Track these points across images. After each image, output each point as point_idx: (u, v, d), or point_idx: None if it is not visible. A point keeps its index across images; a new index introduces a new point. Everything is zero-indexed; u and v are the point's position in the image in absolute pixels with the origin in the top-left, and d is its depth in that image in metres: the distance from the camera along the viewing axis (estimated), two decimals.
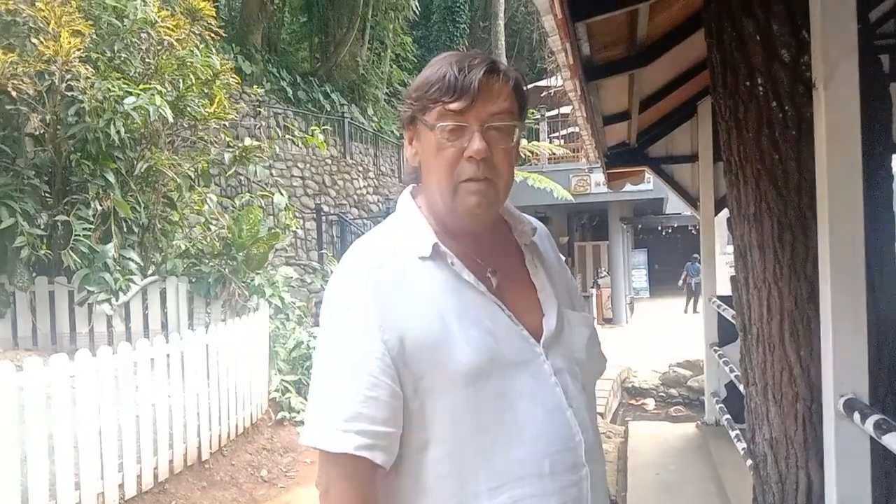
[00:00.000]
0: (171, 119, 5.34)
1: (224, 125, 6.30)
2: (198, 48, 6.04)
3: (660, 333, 14.09)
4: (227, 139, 6.57)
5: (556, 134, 17.30)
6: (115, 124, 5.01)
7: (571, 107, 4.78)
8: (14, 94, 4.67)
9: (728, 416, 3.88)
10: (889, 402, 1.90)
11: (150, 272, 5.64)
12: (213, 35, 6.27)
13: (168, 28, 5.60)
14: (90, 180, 5.20)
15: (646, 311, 18.74)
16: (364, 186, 13.29)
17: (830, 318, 1.66)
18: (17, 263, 4.93)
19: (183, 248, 6.04)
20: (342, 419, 0.91)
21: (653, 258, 22.94)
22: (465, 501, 0.93)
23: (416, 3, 17.74)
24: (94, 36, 5.28)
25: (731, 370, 3.71)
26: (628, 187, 6.81)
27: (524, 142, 12.52)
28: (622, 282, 17.44)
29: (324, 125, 10.50)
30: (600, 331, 1.18)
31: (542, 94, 16.35)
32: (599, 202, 15.49)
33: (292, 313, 6.92)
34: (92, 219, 5.07)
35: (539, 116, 15.54)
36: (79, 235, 4.94)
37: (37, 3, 4.91)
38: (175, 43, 5.66)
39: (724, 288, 4.34)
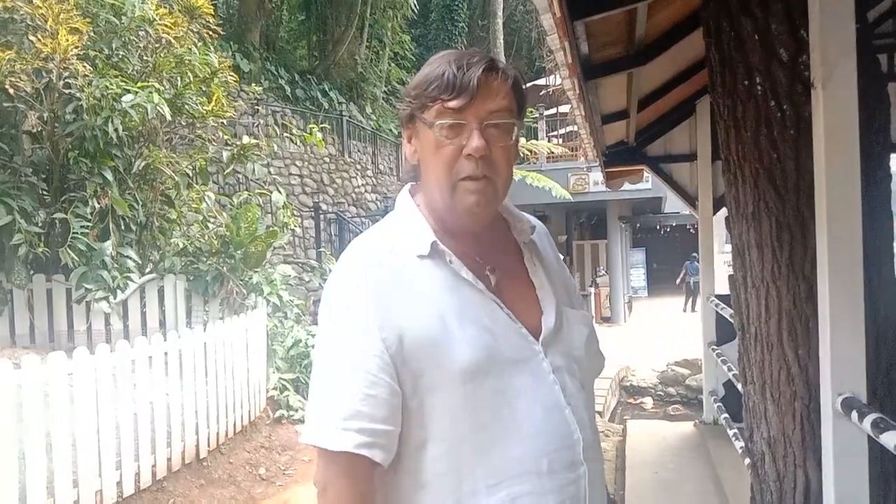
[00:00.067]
0: (168, 117, 5.33)
1: (222, 123, 6.29)
2: (196, 46, 6.03)
3: (658, 332, 14.12)
4: (226, 137, 6.56)
5: (555, 133, 17.31)
6: (112, 122, 4.99)
7: (570, 105, 4.78)
8: (12, 91, 4.65)
9: (726, 414, 3.88)
10: (887, 401, 1.90)
11: (148, 270, 5.63)
12: (211, 33, 6.25)
13: (166, 26, 5.58)
14: (88, 178, 5.19)
15: (644, 310, 18.77)
16: (362, 185, 13.28)
17: (829, 318, 1.66)
18: (14, 261, 4.92)
19: (181, 246, 6.03)
20: (342, 417, 0.91)
21: (651, 257, 22.99)
22: (463, 499, 0.93)
23: (415, 2, 17.70)
24: (92, 33, 5.26)
25: (730, 369, 3.71)
26: (627, 186, 6.79)
27: (523, 140, 12.51)
28: (620, 281, 17.46)
29: (322, 123, 10.45)
30: (598, 330, 1.18)
31: (541, 93, 16.39)
32: (598, 201, 15.50)
33: (290, 311, 6.93)
34: (90, 216, 5.06)
35: (538, 115, 15.53)
36: (76, 233, 4.93)
37: (34, 1, 4.89)
38: (173, 41, 5.64)
39: (723, 287, 4.33)
